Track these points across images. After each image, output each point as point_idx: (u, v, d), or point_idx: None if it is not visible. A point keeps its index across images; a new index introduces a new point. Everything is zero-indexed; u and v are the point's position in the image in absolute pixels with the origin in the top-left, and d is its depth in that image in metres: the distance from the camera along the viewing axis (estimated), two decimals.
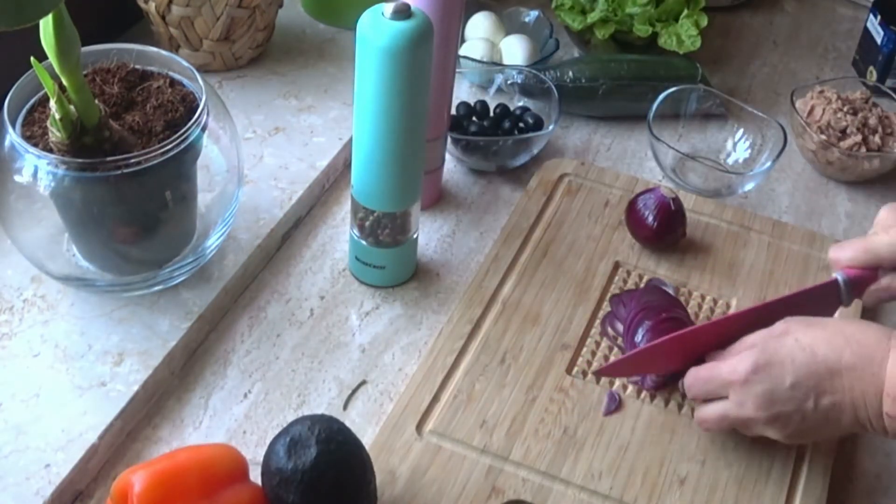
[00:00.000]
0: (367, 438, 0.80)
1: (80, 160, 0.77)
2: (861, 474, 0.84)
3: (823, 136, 1.10)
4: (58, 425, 0.78)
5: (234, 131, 0.89)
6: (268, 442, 0.72)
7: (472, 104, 1.10)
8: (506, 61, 1.19)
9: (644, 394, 0.85)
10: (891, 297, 0.81)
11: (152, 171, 0.78)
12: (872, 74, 1.26)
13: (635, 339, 0.86)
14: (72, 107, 0.75)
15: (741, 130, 1.13)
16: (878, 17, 1.25)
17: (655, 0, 1.20)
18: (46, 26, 0.72)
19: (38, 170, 0.78)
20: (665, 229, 0.96)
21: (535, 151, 1.08)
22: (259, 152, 1.04)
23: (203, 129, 0.83)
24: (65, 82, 0.75)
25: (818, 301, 0.82)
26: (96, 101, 0.78)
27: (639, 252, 0.98)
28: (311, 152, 1.05)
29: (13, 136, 0.78)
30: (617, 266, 0.97)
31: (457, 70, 0.99)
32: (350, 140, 1.01)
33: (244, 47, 1.14)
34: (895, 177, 1.14)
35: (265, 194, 0.99)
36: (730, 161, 1.13)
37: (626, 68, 1.18)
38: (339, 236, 1.00)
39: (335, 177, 1.06)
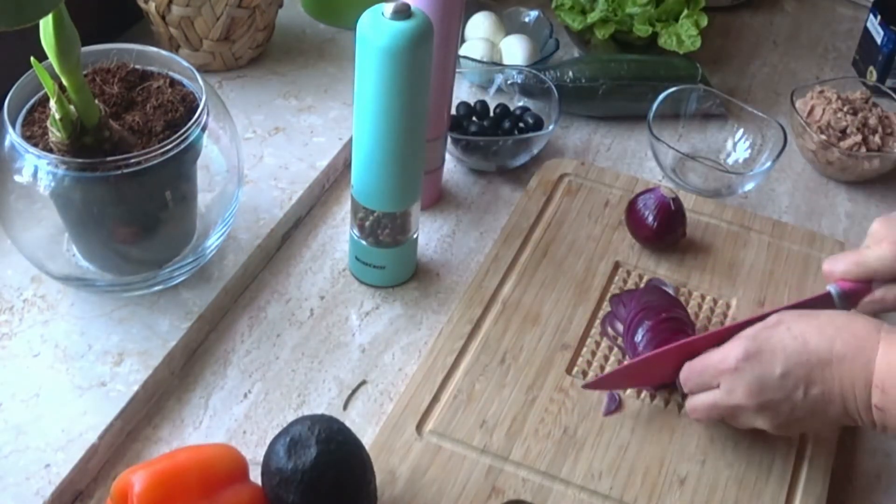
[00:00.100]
0: (367, 438, 0.80)
1: (80, 160, 0.77)
2: (861, 474, 0.84)
3: (823, 136, 1.10)
4: (58, 425, 0.78)
5: (234, 131, 0.89)
6: (268, 442, 0.72)
7: (472, 104, 1.10)
8: (506, 61, 1.19)
9: (644, 394, 0.85)
10: (884, 308, 0.82)
11: (152, 171, 0.78)
12: (872, 74, 1.26)
13: (635, 339, 0.86)
14: (72, 107, 0.75)
15: (741, 130, 1.13)
16: (878, 17, 1.25)
17: (655, 0, 1.20)
18: (46, 26, 0.72)
19: (38, 170, 0.78)
20: (665, 229, 0.96)
21: (535, 151, 1.08)
22: (259, 152, 1.04)
23: (203, 129, 0.83)
24: (65, 82, 0.75)
25: None
26: (96, 101, 0.78)
27: (639, 252, 0.98)
28: (311, 152, 1.05)
29: (13, 136, 0.78)
30: (617, 266, 0.97)
31: (457, 70, 0.99)
32: (350, 140, 1.01)
33: (244, 47, 1.14)
34: (895, 177, 1.14)
35: (265, 194, 0.99)
36: (730, 161, 1.13)
37: (626, 68, 1.18)
38: (339, 236, 1.00)
39: (335, 177, 1.06)
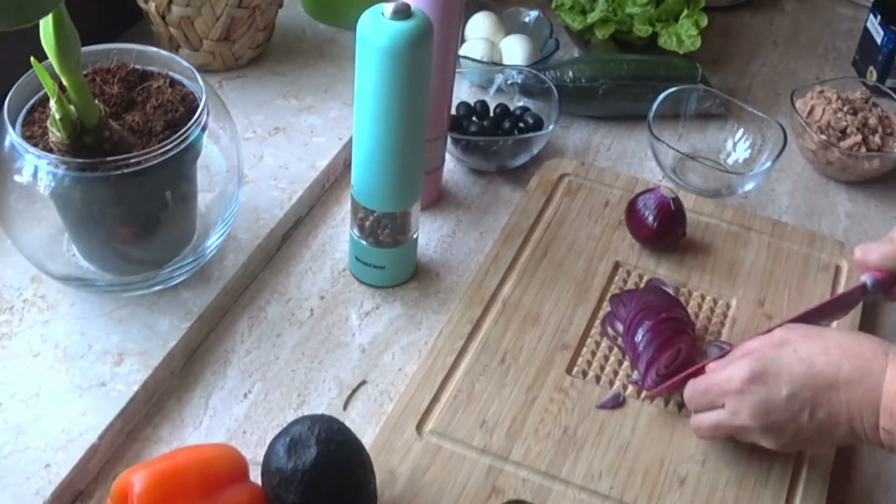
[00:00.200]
0: (367, 438, 0.80)
1: (80, 160, 0.77)
2: (861, 474, 0.84)
3: (823, 136, 1.10)
4: (58, 425, 0.78)
5: (234, 131, 0.89)
6: (268, 442, 0.72)
7: (472, 104, 1.10)
8: (506, 61, 1.19)
9: (644, 394, 0.85)
10: None
11: (152, 171, 0.78)
12: (872, 74, 1.26)
13: (635, 339, 0.85)
14: (72, 107, 0.75)
15: (741, 130, 1.13)
16: (878, 17, 1.25)
17: (655, 0, 1.20)
18: (46, 26, 0.72)
19: (38, 170, 0.78)
20: (665, 229, 0.96)
21: (535, 151, 1.08)
22: (259, 152, 1.04)
23: (203, 129, 0.83)
24: (65, 82, 0.75)
25: (844, 306, 0.84)
26: (96, 101, 0.78)
27: (639, 252, 0.98)
28: (311, 152, 1.05)
29: (13, 136, 0.78)
30: (617, 266, 0.97)
31: (457, 70, 0.99)
32: (350, 140, 1.01)
33: (244, 47, 1.14)
34: (895, 177, 1.14)
35: (265, 194, 0.99)
36: (730, 161, 1.13)
37: (626, 68, 1.18)
38: (339, 236, 1.00)
39: (335, 177, 1.06)
